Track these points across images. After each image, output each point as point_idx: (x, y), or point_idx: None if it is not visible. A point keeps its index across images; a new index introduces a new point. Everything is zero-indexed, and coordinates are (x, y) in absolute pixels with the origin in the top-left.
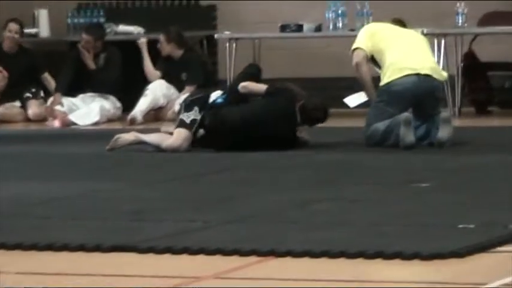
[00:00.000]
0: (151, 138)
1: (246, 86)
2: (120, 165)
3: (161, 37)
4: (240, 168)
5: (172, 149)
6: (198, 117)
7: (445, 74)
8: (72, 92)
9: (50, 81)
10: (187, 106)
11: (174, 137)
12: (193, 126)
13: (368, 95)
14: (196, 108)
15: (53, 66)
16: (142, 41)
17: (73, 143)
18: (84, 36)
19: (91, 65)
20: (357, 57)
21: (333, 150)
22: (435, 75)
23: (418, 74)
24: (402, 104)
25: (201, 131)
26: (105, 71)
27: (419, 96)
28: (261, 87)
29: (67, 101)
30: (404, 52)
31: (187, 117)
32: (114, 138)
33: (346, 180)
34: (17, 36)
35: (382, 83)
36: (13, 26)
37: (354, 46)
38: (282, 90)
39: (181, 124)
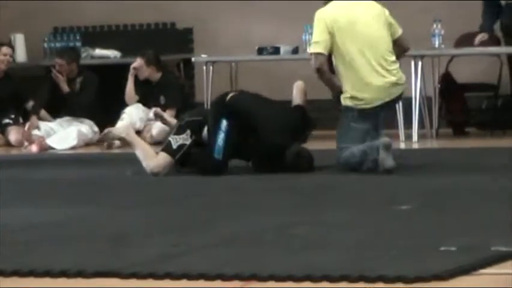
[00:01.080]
0: (139, 146)
1: None
2: (100, 189)
3: (138, 61)
4: (220, 191)
5: (152, 173)
6: (188, 141)
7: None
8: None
9: (33, 124)
10: (179, 128)
11: (157, 161)
12: (179, 153)
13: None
14: (188, 132)
15: (30, 91)
16: (133, 66)
17: (52, 167)
18: (58, 60)
19: (65, 88)
20: (316, 62)
21: (312, 173)
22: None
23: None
24: (371, 120)
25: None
26: (81, 95)
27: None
28: None
29: (44, 125)
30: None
31: (176, 141)
32: (105, 130)
33: (326, 204)
34: (10, 60)
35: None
36: (7, 50)
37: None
38: None
39: (167, 148)
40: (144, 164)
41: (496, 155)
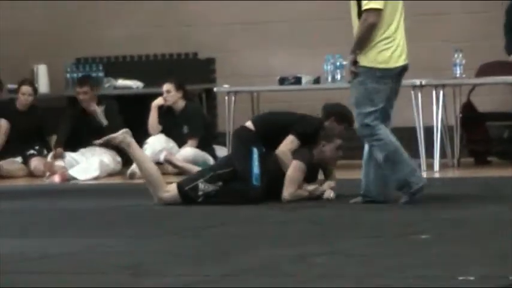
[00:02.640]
0: (140, 158)
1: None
2: (118, 220)
3: (168, 86)
4: (236, 222)
5: (161, 202)
6: (216, 189)
7: None
8: (72, 146)
9: (57, 154)
10: (212, 177)
11: (169, 195)
12: (198, 198)
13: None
14: (219, 184)
15: (53, 122)
16: (158, 100)
17: (72, 198)
18: (82, 88)
19: (103, 121)
20: (375, 17)
21: (329, 203)
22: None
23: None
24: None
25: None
26: (108, 125)
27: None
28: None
29: (67, 155)
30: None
31: (203, 188)
32: (107, 137)
33: (343, 234)
34: (30, 98)
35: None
36: (26, 89)
37: (373, 4)
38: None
39: (189, 190)
40: (158, 196)
41: None
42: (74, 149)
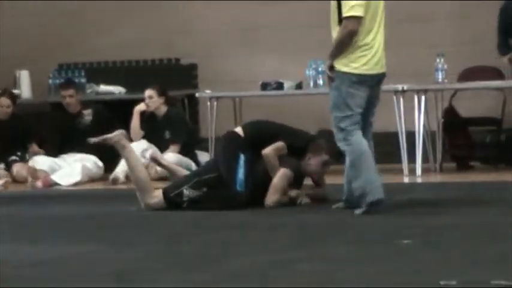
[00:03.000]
0: (132, 162)
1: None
2: (103, 226)
3: (150, 92)
4: (223, 228)
5: (147, 208)
6: (200, 194)
7: None
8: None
9: (34, 151)
10: (197, 183)
11: (155, 201)
12: (182, 203)
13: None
14: (204, 189)
15: (35, 128)
16: (140, 106)
17: (55, 204)
18: (67, 91)
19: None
20: (355, 25)
21: (314, 209)
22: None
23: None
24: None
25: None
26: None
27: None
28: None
29: (49, 160)
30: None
31: (188, 194)
32: (103, 136)
33: (328, 239)
34: (9, 110)
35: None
36: (4, 101)
37: (354, 11)
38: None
39: (174, 196)
40: (140, 196)
41: (500, 190)
42: (57, 153)
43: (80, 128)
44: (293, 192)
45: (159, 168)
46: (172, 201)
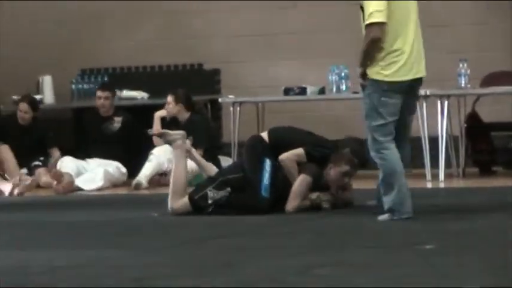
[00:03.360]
0: (180, 161)
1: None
2: (123, 232)
3: (169, 98)
4: (240, 233)
5: (173, 212)
6: (225, 196)
7: None
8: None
9: (55, 156)
10: (221, 183)
11: (181, 205)
12: (208, 207)
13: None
14: (228, 190)
15: (58, 133)
16: (159, 112)
17: (78, 209)
18: (103, 92)
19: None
20: (377, 31)
21: (333, 213)
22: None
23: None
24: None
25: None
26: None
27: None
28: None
29: (76, 163)
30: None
31: (212, 198)
32: (164, 130)
33: (347, 244)
34: (27, 116)
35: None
36: (23, 106)
37: (374, 18)
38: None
39: (199, 199)
40: (171, 200)
41: None
42: (83, 155)
43: (107, 133)
44: (314, 195)
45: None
46: (197, 205)
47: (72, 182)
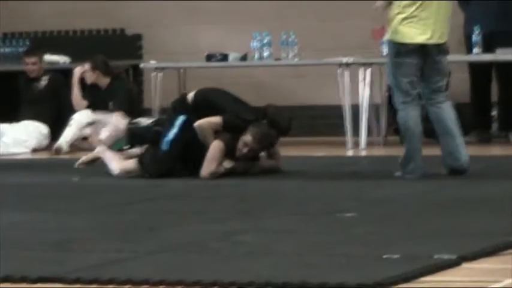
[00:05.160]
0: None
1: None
2: (43, 195)
3: (86, 65)
4: (164, 198)
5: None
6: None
7: None
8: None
9: None
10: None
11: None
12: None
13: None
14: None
15: None
16: (76, 70)
17: None
18: (31, 58)
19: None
20: None
21: (259, 180)
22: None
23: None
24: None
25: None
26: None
27: None
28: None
29: None
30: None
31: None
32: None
33: (270, 211)
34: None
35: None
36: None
37: None
38: None
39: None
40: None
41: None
42: (6, 118)
43: (35, 91)
44: (228, 163)
45: (102, 137)
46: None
47: None
